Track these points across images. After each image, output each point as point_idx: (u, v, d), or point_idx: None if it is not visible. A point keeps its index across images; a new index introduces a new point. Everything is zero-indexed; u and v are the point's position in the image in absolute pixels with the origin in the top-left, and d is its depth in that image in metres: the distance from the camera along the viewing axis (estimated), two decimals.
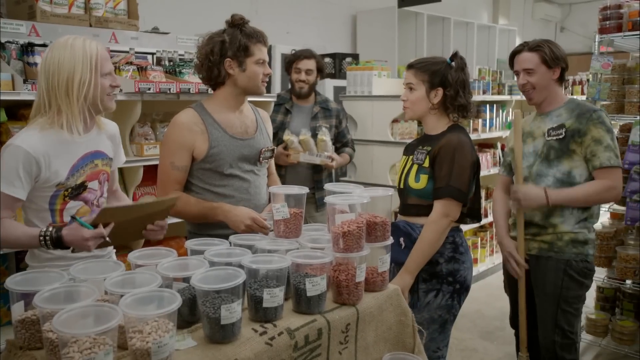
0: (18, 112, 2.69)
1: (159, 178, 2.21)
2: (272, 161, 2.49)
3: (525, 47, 2.45)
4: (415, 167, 2.20)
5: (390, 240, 1.78)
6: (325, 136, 3.36)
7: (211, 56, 2.14)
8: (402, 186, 2.26)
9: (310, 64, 3.47)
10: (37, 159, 1.73)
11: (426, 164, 2.16)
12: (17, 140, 1.74)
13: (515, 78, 2.53)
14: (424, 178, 2.16)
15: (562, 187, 2.39)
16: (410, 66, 2.25)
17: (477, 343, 3.76)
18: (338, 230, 1.63)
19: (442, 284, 2.15)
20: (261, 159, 2.27)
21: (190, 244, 1.71)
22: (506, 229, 2.60)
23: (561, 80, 2.47)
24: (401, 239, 2.15)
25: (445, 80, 2.16)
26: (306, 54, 3.48)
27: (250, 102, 2.43)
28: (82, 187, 1.86)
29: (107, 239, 1.70)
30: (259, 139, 2.28)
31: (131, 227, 1.81)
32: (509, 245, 2.54)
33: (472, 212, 2.24)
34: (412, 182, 2.19)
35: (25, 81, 2.51)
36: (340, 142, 3.67)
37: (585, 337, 3.40)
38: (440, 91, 2.18)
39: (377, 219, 1.74)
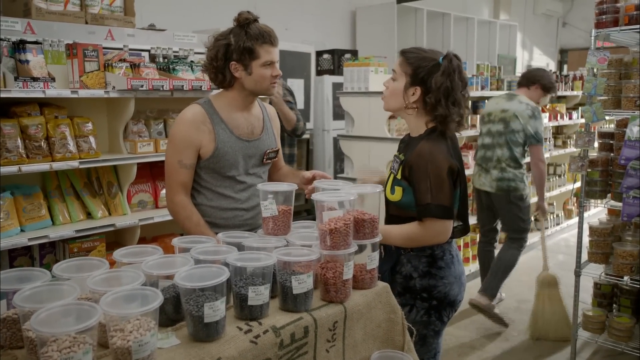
0: (9, 109, 2.69)
1: (167, 177, 2.16)
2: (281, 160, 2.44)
3: None
4: (391, 176, 2.03)
5: (379, 238, 1.77)
6: None
7: (215, 62, 2.09)
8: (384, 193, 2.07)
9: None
10: None
11: (399, 175, 1.98)
12: None
13: None
14: (398, 190, 1.97)
15: None
16: (402, 52, 2.01)
17: (474, 340, 3.75)
18: (325, 228, 1.62)
19: (415, 300, 2.00)
20: (265, 160, 2.24)
21: (178, 241, 1.70)
22: None
23: None
24: (381, 247, 2.01)
25: (427, 81, 1.92)
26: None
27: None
28: None
29: None
30: (264, 139, 2.25)
31: None
32: None
33: (458, 223, 2.00)
34: (388, 193, 2.02)
35: (16, 78, 2.51)
36: None
37: (582, 334, 3.38)
38: (418, 90, 1.94)
39: (365, 216, 1.72)
